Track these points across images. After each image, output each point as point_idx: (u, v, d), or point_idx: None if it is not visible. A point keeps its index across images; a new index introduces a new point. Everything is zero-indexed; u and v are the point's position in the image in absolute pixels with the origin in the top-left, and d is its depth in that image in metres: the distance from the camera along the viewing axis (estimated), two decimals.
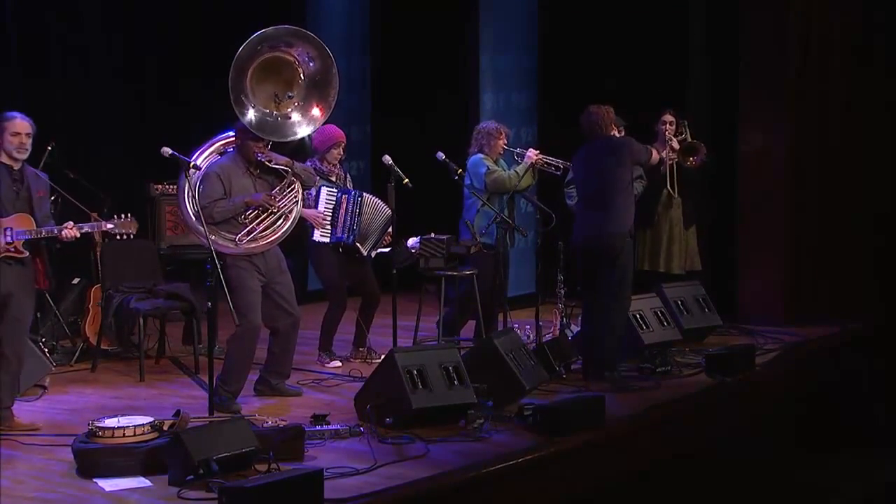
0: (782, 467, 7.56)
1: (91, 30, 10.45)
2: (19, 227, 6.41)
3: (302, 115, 7.39)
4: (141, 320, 8.26)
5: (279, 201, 7.27)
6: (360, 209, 8.36)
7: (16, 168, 6.50)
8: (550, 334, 8.73)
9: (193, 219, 7.10)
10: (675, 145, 9.29)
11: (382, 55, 11.72)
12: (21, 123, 6.46)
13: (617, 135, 8.30)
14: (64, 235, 6.53)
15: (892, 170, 10.32)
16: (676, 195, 9.32)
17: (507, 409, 6.99)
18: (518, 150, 8.93)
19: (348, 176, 8.69)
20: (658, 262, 9.32)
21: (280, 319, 7.38)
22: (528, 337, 8.57)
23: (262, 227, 7.22)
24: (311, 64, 7.38)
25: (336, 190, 8.37)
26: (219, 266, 6.67)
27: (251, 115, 7.20)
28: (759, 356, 8.56)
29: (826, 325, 9.67)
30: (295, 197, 7.36)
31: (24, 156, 6.51)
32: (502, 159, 8.89)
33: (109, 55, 10.56)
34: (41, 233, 6.49)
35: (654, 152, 8.25)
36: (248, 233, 7.18)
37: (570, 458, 6.54)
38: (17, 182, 6.49)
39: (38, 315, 8.23)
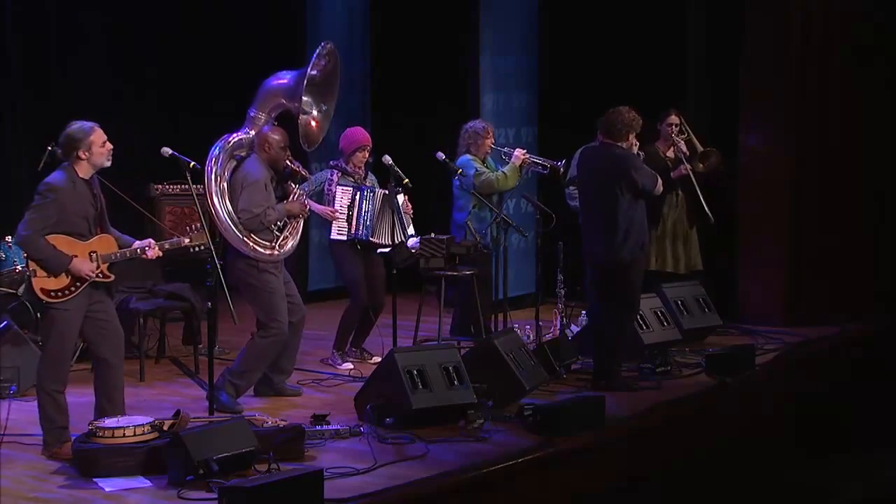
0: (782, 468, 7.56)
1: (92, 31, 10.46)
2: (104, 250, 6.28)
3: (314, 121, 7.68)
4: (141, 320, 8.27)
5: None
6: (374, 205, 8.36)
7: (88, 180, 6.29)
8: (550, 334, 8.73)
9: (235, 224, 7.23)
10: (683, 147, 9.29)
11: (382, 56, 11.73)
12: (100, 132, 6.29)
13: (625, 145, 7.72)
14: (148, 256, 6.39)
15: (892, 169, 10.32)
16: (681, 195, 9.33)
17: (507, 409, 7.00)
18: (505, 149, 8.96)
19: (371, 176, 8.67)
20: (663, 262, 9.31)
21: (292, 315, 7.44)
22: (528, 337, 8.56)
23: (288, 231, 7.41)
24: (318, 68, 7.63)
25: (350, 188, 8.40)
26: (221, 268, 6.72)
27: (303, 122, 7.52)
28: (759, 356, 8.56)
29: (826, 326, 9.67)
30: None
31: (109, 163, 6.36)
32: (489, 157, 8.92)
33: (110, 55, 10.57)
34: (126, 255, 6.35)
35: (660, 183, 7.82)
36: (283, 239, 7.36)
37: (570, 459, 6.55)
38: (94, 196, 6.32)
39: (38, 315, 8.21)
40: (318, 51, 7.62)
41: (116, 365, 6.42)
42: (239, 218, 7.21)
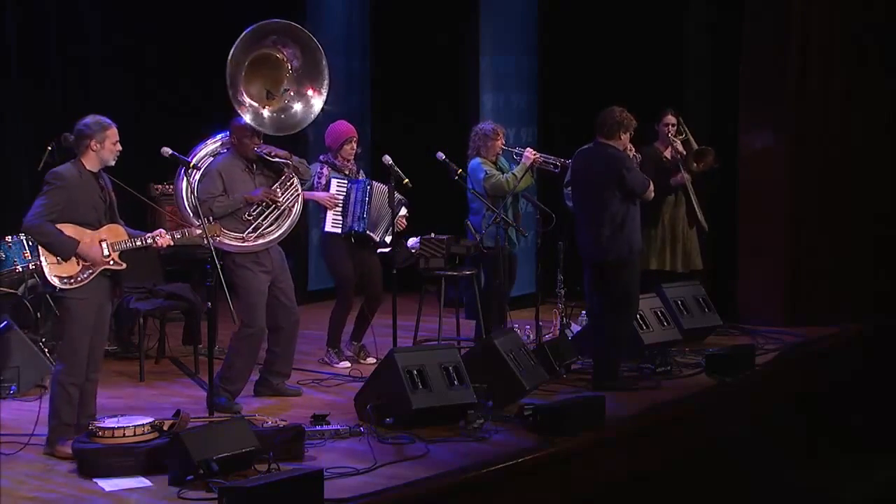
0: (782, 468, 7.56)
1: (91, 31, 10.46)
2: (114, 238, 6.26)
3: (296, 110, 7.45)
4: (141, 320, 8.28)
5: (280, 196, 7.31)
6: (369, 197, 8.33)
7: (95, 173, 6.30)
8: (550, 334, 8.74)
9: (191, 214, 7.12)
10: (680, 147, 9.29)
11: (382, 56, 11.73)
12: (116, 130, 6.31)
13: (620, 146, 7.73)
14: (159, 244, 6.38)
15: (892, 169, 10.32)
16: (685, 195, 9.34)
17: (507, 409, 7.00)
18: (517, 149, 8.90)
19: (361, 172, 8.65)
20: (663, 262, 9.31)
21: (283, 317, 7.41)
22: (528, 337, 8.56)
23: (267, 223, 7.28)
24: (297, 58, 7.46)
25: (345, 181, 8.38)
26: (219, 266, 6.69)
27: (250, 111, 7.24)
28: (759, 356, 8.56)
29: (826, 326, 9.67)
30: (295, 191, 7.43)
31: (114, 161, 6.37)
32: (502, 157, 8.87)
33: (109, 54, 10.57)
34: (136, 242, 6.34)
35: (651, 188, 7.77)
36: (255, 229, 7.24)
37: (570, 458, 6.55)
38: (102, 189, 6.32)
39: (38, 315, 8.23)
40: (250, 28, 7.31)
41: (94, 378, 6.41)
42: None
